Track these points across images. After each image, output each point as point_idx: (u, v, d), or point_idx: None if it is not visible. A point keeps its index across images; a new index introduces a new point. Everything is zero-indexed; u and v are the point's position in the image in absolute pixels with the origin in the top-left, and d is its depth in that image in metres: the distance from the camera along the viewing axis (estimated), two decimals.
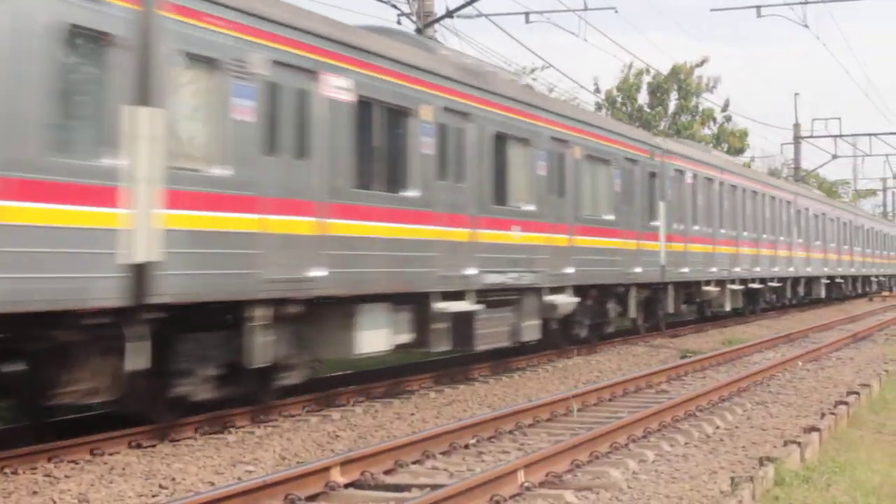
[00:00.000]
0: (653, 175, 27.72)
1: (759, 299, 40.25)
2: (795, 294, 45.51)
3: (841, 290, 55.04)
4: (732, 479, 10.32)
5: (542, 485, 10.53)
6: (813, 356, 24.39)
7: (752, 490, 9.94)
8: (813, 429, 13.33)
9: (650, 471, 11.41)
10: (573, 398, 15.91)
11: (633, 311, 26.87)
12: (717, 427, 14.40)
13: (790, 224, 43.52)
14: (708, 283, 32.30)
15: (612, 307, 25.55)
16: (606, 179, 24.69)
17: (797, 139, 65.09)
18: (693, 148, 34.92)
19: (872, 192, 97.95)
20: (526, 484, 10.32)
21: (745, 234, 36.37)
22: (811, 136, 63.18)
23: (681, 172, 30.01)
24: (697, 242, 30.91)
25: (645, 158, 27.23)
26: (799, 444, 12.21)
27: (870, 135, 62.61)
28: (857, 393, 17.13)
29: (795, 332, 31.54)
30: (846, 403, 15.83)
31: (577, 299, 22.35)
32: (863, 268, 60.27)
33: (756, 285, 38.13)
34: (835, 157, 64.35)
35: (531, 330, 20.57)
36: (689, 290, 31.26)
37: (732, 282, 34.69)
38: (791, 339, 30.01)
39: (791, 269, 42.99)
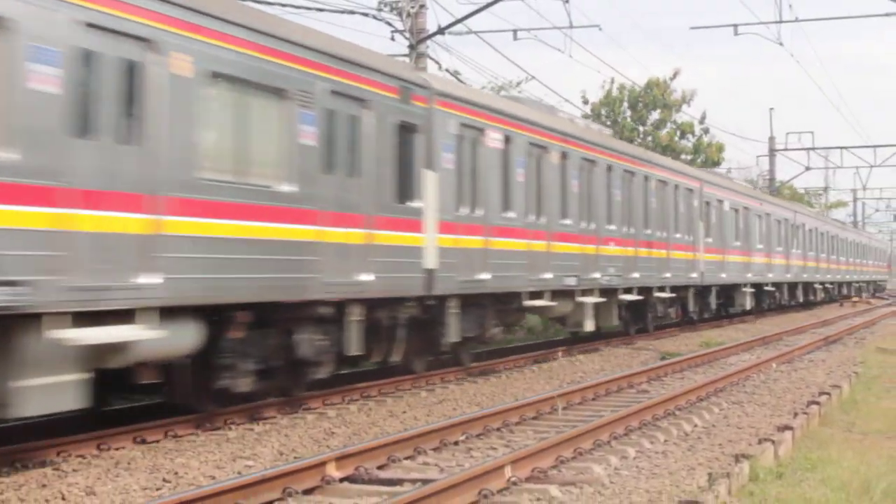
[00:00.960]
0: (409, 129, 17.20)
1: (647, 314, 30.45)
2: (705, 305, 35.93)
3: (775, 299, 46.06)
4: (709, 474, 10.35)
5: (528, 480, 10.55)
6: (786, 358, 24.43)
7: (728, 486, 9.98)
8: (786, 427, 13.36)
9: (631, 467, 11.44)
10: (558, 397, 15.93)
11: (353, 345, 15.75)
12: (696, 425, 14.44)
13: (692, 218, 33.27)
14: (539, 294, 22.12)
15: (306, 339, 14.90)
16: (279, 123, 14.11)
17: (772, 151, 65.26)
18: (512, 101, 24.18)
19: (843, 203, 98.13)
20: (512, 479, 10.33)
21: (612, 227, 26.24)
22: (785, 149, 63.33)
23: (477, 131, 19.49)
24: (513, 237, 20.75)
25: (389, 101, 16.47)
26: (773, 442, 12.25)
27: (841, 148, 62.74)
28: (829, 394, 17.17)
29: (770, 336, 31.60)
30: (818, 403, 15.87)
31: (163, 333, 11.85)
32: (803, 273, 50.62)
33: (631, 296, 27.59)
34: (808, 168, 64.63)
35: (32, 397, 10.48)
36: (505, 305, 21.22)
37: (589, 292, 24.82)
38: (765, 341, 30.05)
39: (694, 274, 32.77)
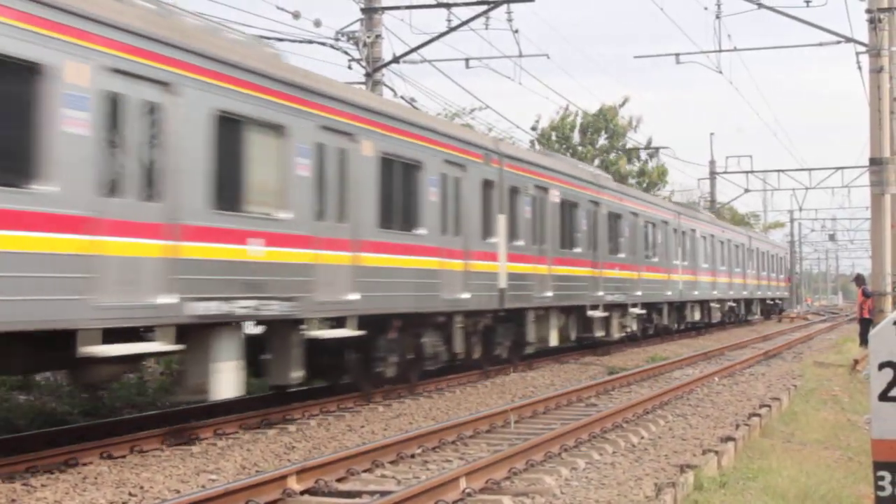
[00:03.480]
0: None
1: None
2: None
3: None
4: (656, 484, 10.40)
5: (482, 491, 10.56)
6: (728, 372, 24.58)
7: (673, 495, 10.02)
8: (729, 439, 13.44)
9: (581, 477, 11.47)
10: (511, 411, 15.95)
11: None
12: (642, 437, 14.49)
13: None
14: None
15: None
16: None
17: (713, 175, 65.85)
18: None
19: (781, 224, 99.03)
20: (467, 490, 10.35)
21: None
22: (725, 172, 63.84)
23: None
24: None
25: None
26: (716, 452, 12.32)
27: (778, 171, 63.25)
28: (769, 406, 17.28)
29: (713, 350, 31.76)
30: (759, 415, 15.97)
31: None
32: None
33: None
34: (747, 191, 65.03)
35: None
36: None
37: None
38: (708, 356, 30.20)
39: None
